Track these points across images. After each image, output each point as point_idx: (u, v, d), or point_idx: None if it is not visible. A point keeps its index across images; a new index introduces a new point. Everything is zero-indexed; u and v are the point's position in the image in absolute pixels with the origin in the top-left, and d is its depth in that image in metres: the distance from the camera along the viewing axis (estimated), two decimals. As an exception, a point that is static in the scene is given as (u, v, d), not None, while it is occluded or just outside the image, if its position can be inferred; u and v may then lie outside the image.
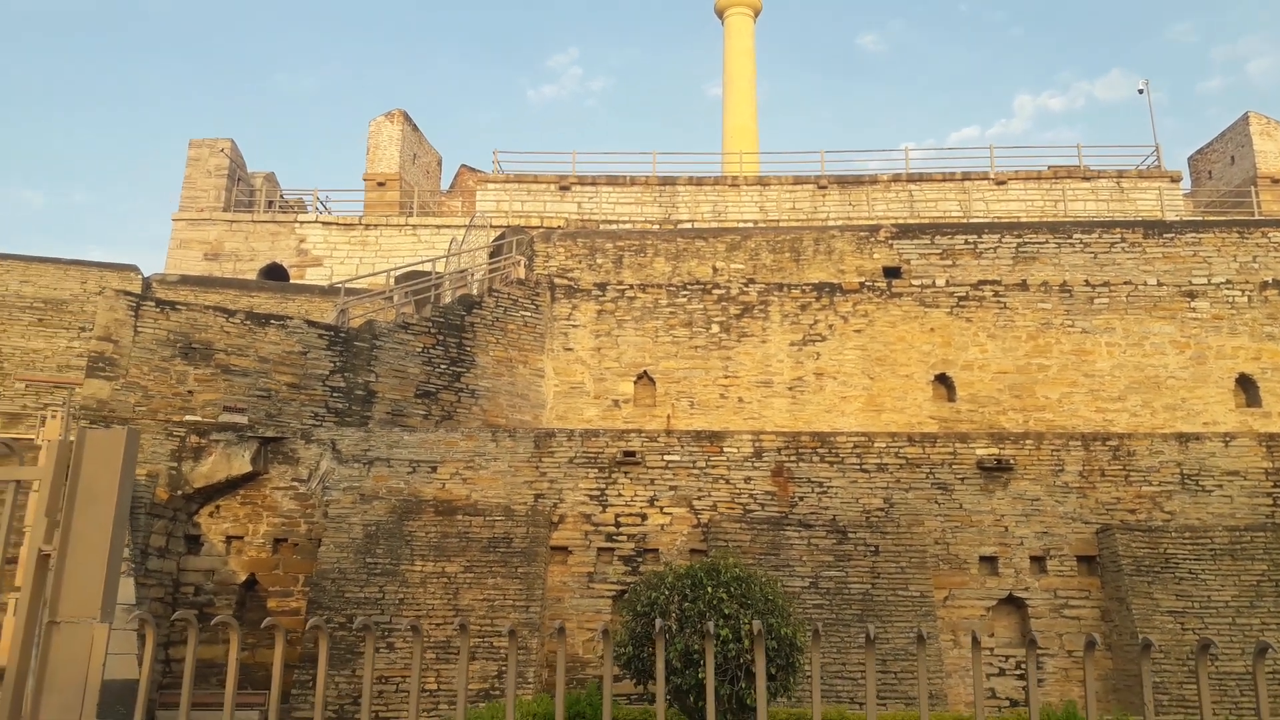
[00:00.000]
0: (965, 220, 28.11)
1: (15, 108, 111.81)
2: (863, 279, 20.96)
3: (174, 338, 15.84)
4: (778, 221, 28.87)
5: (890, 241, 21.62)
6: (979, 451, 15.15)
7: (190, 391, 15.72)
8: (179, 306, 16.42)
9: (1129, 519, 14.66)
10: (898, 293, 20.49)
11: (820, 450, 15.05)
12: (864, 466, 14.95)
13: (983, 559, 14.65)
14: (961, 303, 20.32)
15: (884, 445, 15.19)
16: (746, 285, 20.66)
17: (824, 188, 30.26)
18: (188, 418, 15.02)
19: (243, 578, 14.36)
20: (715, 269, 21.20)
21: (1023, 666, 14.15)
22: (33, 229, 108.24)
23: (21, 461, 3.84)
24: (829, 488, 14.80)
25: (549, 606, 14.23)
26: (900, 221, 26.93)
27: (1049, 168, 31.13)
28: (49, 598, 3.41)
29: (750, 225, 27.24)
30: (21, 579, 7.57)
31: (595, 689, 11.22)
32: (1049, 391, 19.70)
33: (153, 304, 16.15)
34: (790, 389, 19.84)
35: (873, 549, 14.27)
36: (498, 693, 13.17)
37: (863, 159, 47.40)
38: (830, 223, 27.92)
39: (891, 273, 21.29)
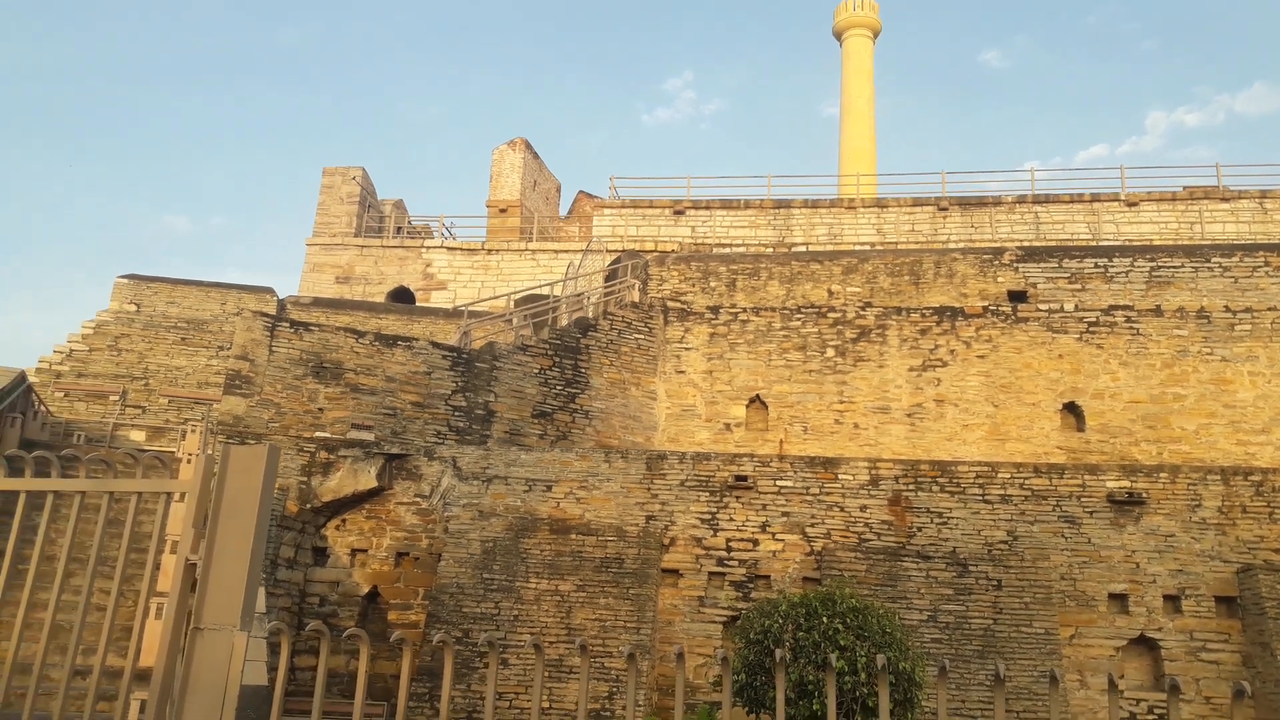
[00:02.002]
0: (1094, 243, 27.05)
1: (163, 140, 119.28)
2: (986, 303, 20.39)
3: (306, 357, 16.58)
4: (896, 244, 28.35)
5: (1015, 264, 20.98)
6: (1109, 484, 14.50)
7: (320, 409, 16.40)
8: (311, 327, 17.19)
9: (1274, 559, 13.79)
10: (1024, 317, 19.86)
11: (940, 479, 14.67)
12: (986, 497, 14.49)
13: (1112, 596, 13.99)
14: (1092, 328, 19.55)
15: (1008, 476, 14.69)
16: (863, 309, 20.35)
17: (944, 209, 29.60)
18: (317, 434, 15.67)
19: (366, 590, 14.84)
20: (831, 292, 20.96)
21: (1155, 711, 13.41)
22: (177, 253, 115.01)
23: (172, 474, 4.09)
24: (949, 518, 14.39)
25: (659, 629, 14.23)
26: (1025, 244, 26.10)
27: (1184, 188, 29.67)
28: (194, 605, 3.62)
29: (867, 248, 26.83)
30: (168, 586, 8.01)
31: (705, 714, 11.17)
32: (1185, 422, 18.72)
33: (287, 325, 16.95)
34: (909, 415, 19.41)
35: (995, 583, 13.80)
36: (608, 714, 13.22)
37: (985, 180, 46.14)
38: (951, 245, 27.26)
39: (1017, 297, 20.64)
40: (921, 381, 19.61)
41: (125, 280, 24.81)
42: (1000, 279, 20.88)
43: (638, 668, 2.98)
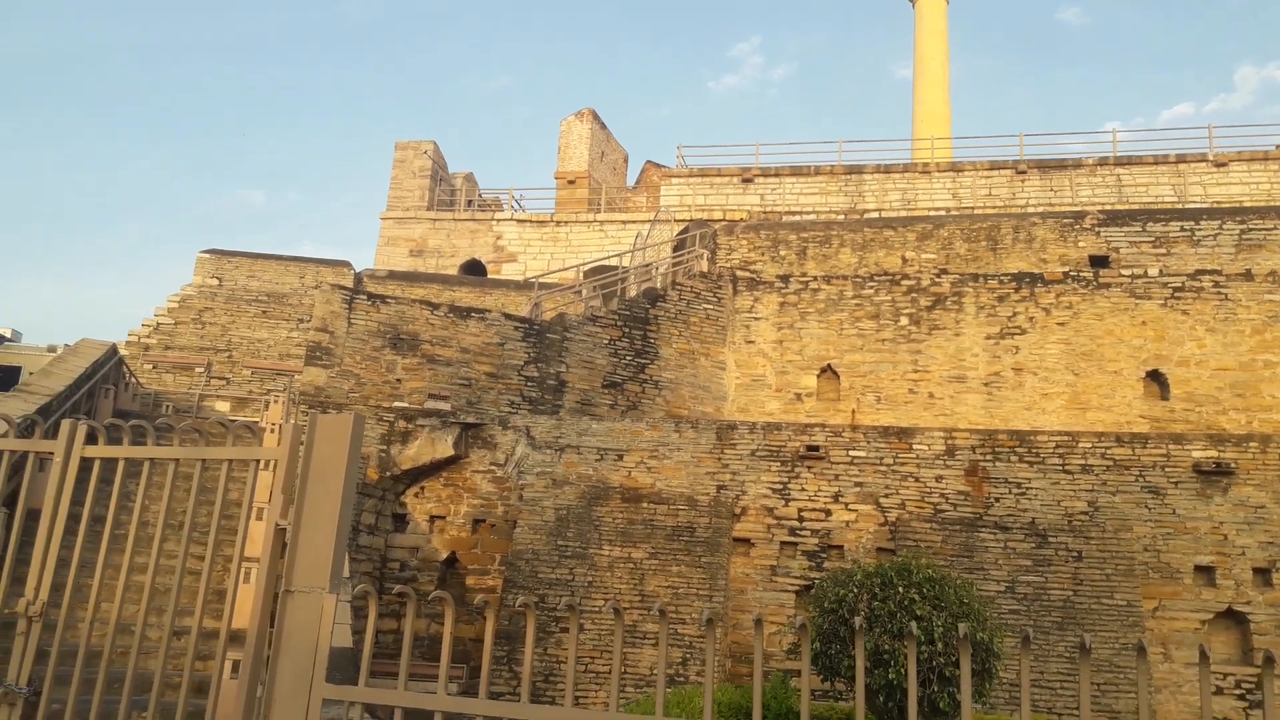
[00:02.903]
0: (1180, 205, 26.09)
1: (238, 116, 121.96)
2: (1066, 269, 19.84)
3: (384, 329, 16.91)
4: (972, 209, 27.71)
5: (1097, 229, 20.36)
6: (1195, 454, 14.07)
7: (398, 379, 16.74)
8: (388, 300, 17.52)
9: (1374, 532, 13.26)
10: (1105, 283, 19.28)
11: (1019, 449, 14.39)
12: (1066, 467, 14.19)
13: (1198, 569, 13.62)
14: (1177, 294, 18.91)
15: (1089, 445, 14.35)
16: (939, 276, 19.97)
17: (1023, 173, 28.80)
18: (396, 404, 16.01)
19: (444, 555, 15.18)
20: (905, 259, 20.60)
21: (1242, 685, 13.06)
22: (254, 227, 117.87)
23: (260, 443, 4.23)
24: (1028, 489, 14.13)
25: (731, 598, 14.29)
26: (1107, 207, 25.29)
27: (1277, 146, 28.40)
28: (284, 568, 3.75)
29: (942, 213, 26.28)
30: (257, 551, 8.30)
31: (779, 681, 11.20)
32: (1276, 390, 18.04)
33: (364, 298, 17.30)
34: (985, 385, 19.05)
35: (1075, 554, 13.53)
36: (681, 679, 13.36)
37: (1064, 142, 44.66)
38: (1029, 210, 26.55)
39: (1098, 262, 20.04)
40: (999, 350, 19.21)
41: (207, 255, 25.56)
42: (1081, 244, 20.29)
43: (715, 634, 3.00)
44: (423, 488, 15.50)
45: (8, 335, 43.30)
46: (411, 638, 3.51)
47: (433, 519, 15.40)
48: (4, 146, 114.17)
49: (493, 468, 15.46)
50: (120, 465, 4.38)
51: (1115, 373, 18.72)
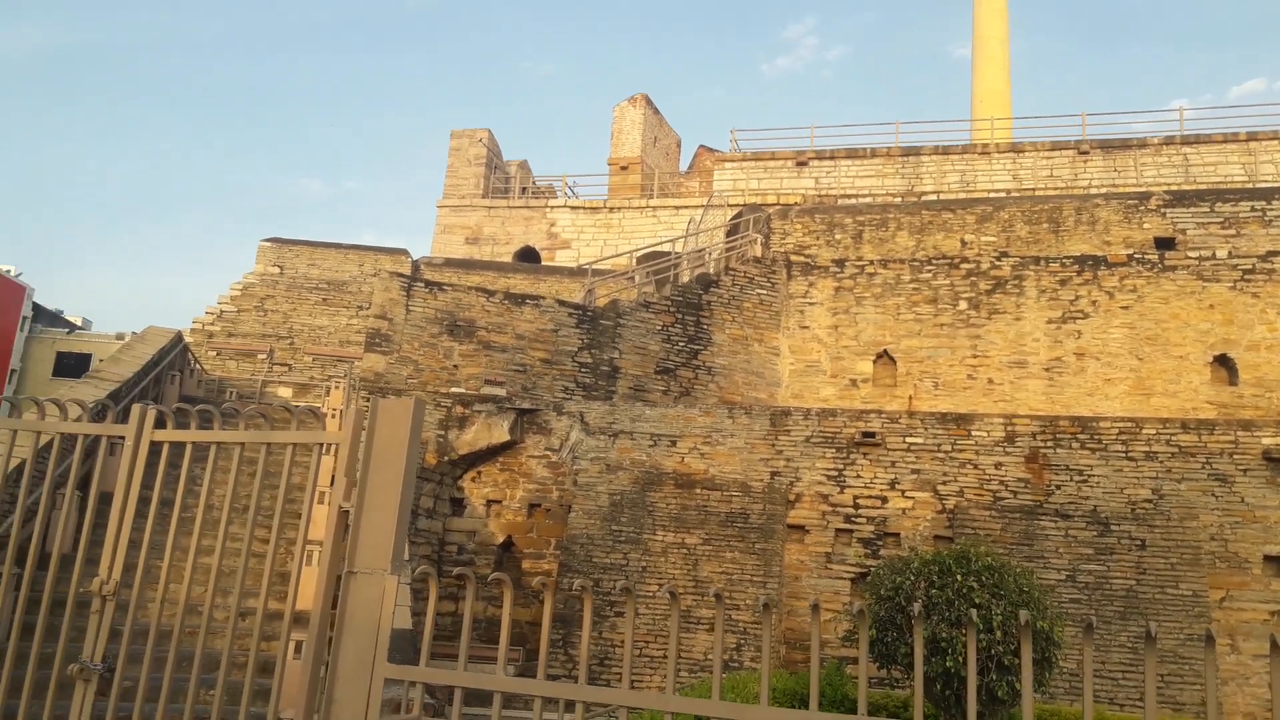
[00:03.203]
0: (1251, 185, 25.28)
1: (298, 106, 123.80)
2: (1131, 251, 19.36)
3: (440, 315, 17.11)
4: (1033, 191, 27.15)
5: (1163, 209, 19.82)
6: (1266, 440, 13.67)
7: (455, 365, 16.94)
8: (445, 287, 17.71)
9: None
10: (1171, 265, 18.78)
11: (1080, 436, 14.12)
12: (1130, 454, 13.88)
13: (1268, 559, 13.24)
14: (1247, 276, 18.34)
15: (1153, 432, 14.02)
16: (999, 259, 19.61)
17: (1085, 153, 28.13)
18: (453, 389, 16.21)
19: (501, 539, 15.36)
20: (963, 242, 20.26)
21: (1317, 681, 12.69)
22: (313, 216, 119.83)
23: (323, 428, 4.31)
24: (1090, 476, 13.86)
25: (785, 584, 14.25)
26: (1173, 188, 24.61)
27: (1358, 121, 27.36)
28: (347, 550, 3.83)
29: (1002, 195, 25.78)
30: (319, 534, 8.45)
31: (834, 669, 11.16)
32: (1355, 375, 17.44)
33: (422, 285, 17.51)
34: (1047, 370, 18.70)
35: (1138, 543, 13.25)
36: (735, 664, 13.37)
37: (1128, 121, 43.44)
38: (1092, 191, 25.93)
39: (1164, 244, 19.52)
40: (1060, 334, 18.84)
41: (268, 244, 26.05)
42: (1146, 225, 19.79)
43: (771, 619, 3.00)
44: (479, 472, 15.68)
45: (79, 324, 44.63)
46: (471, 618, 3.56)
47: (489, 503, 15.58)
48: (72, 140, 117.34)
49: (547, 453, 15.58)
50: (188, 449, 4.50)
51: (1181, 357, 18.25)
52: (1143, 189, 24.56)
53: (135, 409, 4.56)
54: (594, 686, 3.38)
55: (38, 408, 5.01)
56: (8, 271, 37.39)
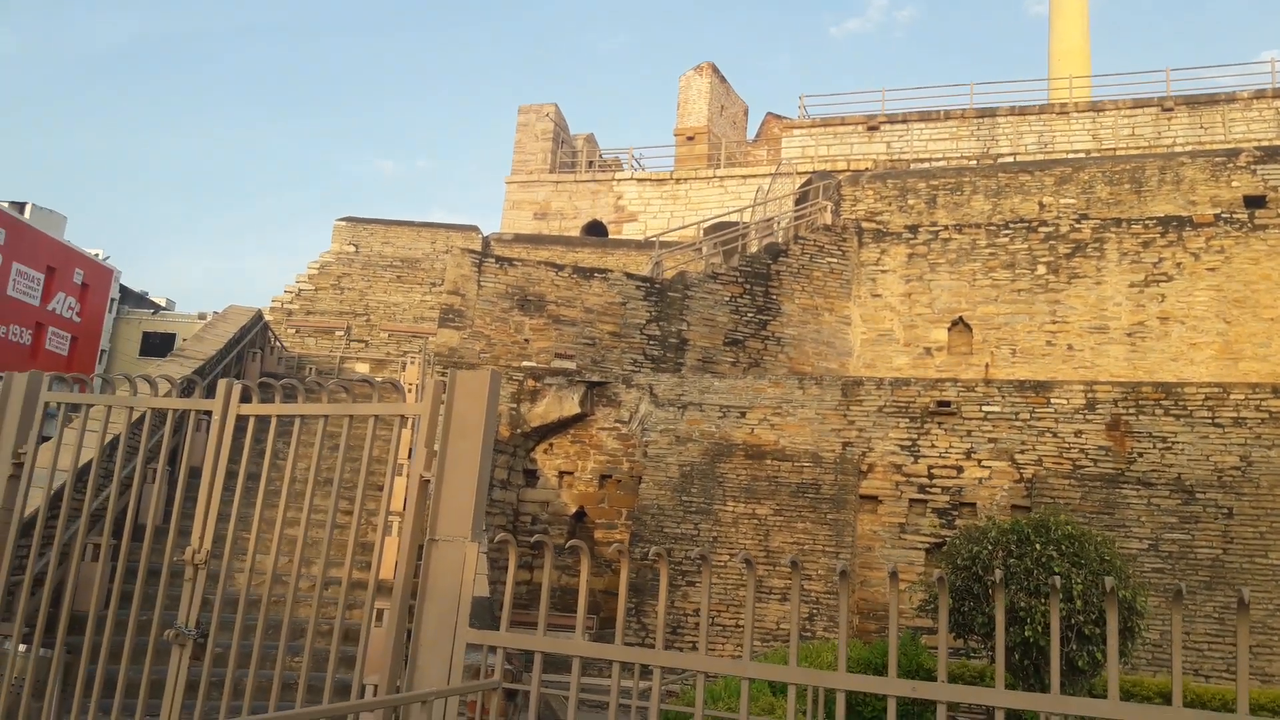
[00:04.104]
0: (1351, 137, 24.07)
1: (370, 87, 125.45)
2: (1218, 210, 18.63)
3: (511, 291, 17.29)
4: (1114, 150, 26.24)
5: (1253, 167, 19.01)
6: (1365, 406, 13.11)
7: (526, 340, 17.12)
8: (515, 262, 17.88)
9: None
10: (1262, 225, 18.04)
11: (1164, 402, 13.71)
12: (1217, 421, 13.44)
13: (1367, 529, 12.75)
14: (1345, 234, 17.53)
15: (1242, 397, 13.54)
16: (1078, 222, 19.04)
17: (1169, 110, 27.07)
18: (524, 363, 16.39)
19: (573, 509, 15.55)
20: (1041, 205, 19.70)
21: None
22: (385, 195, 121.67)
23: (404, 400, 4.41)
24: (1174, 443, 13.46)
25: (858, 555, 14.17)
26: (1265, 144, 23.56)
27: None
28: (429, 519, 3.92)
29: (1081, 156, 24.98)
30: (398, 506, 8.64)
31: (909, 638, 11.09)
32: None
33: (493, 261, 17.70)
34: (1129, 335, 18.16)
35: (1225, 511, 12.86)
36: (808, 634, 13.37)
37: (1215, 75, 41.63)
38: (1177, 149, 24.98)
39: (1254, 202, 18.73)
40: (1143, 298, 18.26)
41: (343, 223, 26.53)
42: (1235, 184, 19.00)
43: (847, 585, 3.00)
44: (551, 444, 15.86)
45: (163, 305, 46.12)
46: (550, 583, 3.62)
47: (561, 474, 15.77)
48: (157, 128, 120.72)
49: (617, 425, 15.68)
50: (273, 423, 4.64)
51: (1271, 320, 17.56)
52: (1231, 146, 23.57)
53: (221, 384, 4.72)
54: (670, 652, 3.42)
55: (130, 384, 5.21)
56: (97, 255, 38.77)
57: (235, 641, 4.42)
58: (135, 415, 8.70)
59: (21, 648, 5.00)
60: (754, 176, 30.27)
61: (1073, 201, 19.55)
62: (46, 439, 6.28)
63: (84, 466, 9.12)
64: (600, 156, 35.16)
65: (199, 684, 4.49)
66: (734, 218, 24.36)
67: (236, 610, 4.66)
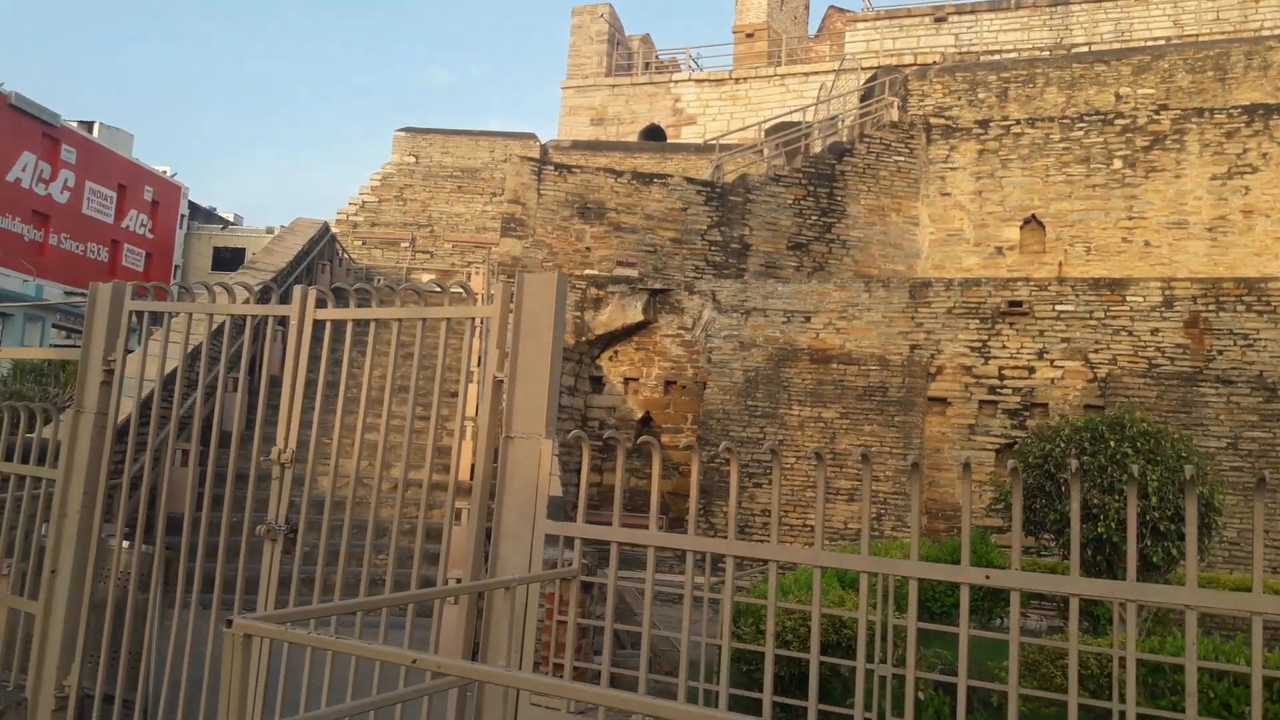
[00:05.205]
0: None
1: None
2: (1310, 96, 17.65)
3: (571, 198, 17.21)
4: (1195, 36, 24.89)
5: (1351, 47, 17.90)
6: None
7: (587, 248, 17.11)
8: (574, 169, 17.75)
9: None
10: (1358, 109, 17.07)
11: (1246, 298, 13.26)
12: (1302, 316, 12.98)
13: None
14: None
15: (1330, 291, 13.05)
16: (1157, 113, 18.22)
17: (1261, -11, 25.47)
18: (586, 272, 16.42)
19: (639, 415, 15.73)
20: (1119, 96, 18.85)
21: None
22: (440, 105, 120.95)
23: (476, 303, 4.46)
24: (1255, 340, 13.06)
25: (926, 456, 14.15)
26: (1366, 21, 22.11)
27: None
28: (504, 417, 4.00)
29: (1161, 43, 23.75)
30: (470, 411, 8.82)
31: (978, 536, 11.11)
32: None
33: (552, 168, 17.60)
34: (1209, 230, 17.49)
35: (1309, 409, 12.51)
36: (875, 534, 13.48)
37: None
38: (1265, 33, 23.58)
39: (1351, 86, 17.70)
40: (1226, 191, 17.52)
41: (403, 133, 26.53)
42: (1331, 66, 17.94)
43: (919, 477, 3.00)
44: (616, 352, 15.97)
45: (231, 219, 46.93)
46: (622, 477, 3.69)
47: (627, 381, 15.91)
48: (217, 43, 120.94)
49: (681, 332, 15.70)
50: (349, 326, 4.73)
51: (1367, 211, 16.76)
52: (1328, 25, 22.18)
53: (297, 290, 4.81)
54: (743, 541, 3.48)
55: (209, 291, 5.35)
56: (164, 172, 39.42)
57: (323, 540, 4.60)
58: (215, 324, 8.95)
59: (125, 544, 5.28)
60: (816, 74, 29.40)
61: (1151, 92, 18.67)
62: (130, 352, 6.51)
63: (169, 375, 9.46)
64: (657, 58, 34.42)
65: (290, 581, 4.70)
66: (796, 117, 23.79)
67: (322, 512, 4.84)
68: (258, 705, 3.79)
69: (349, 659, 4.11)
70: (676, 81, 31.58)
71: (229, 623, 2.29)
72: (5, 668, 5.26)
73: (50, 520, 5.21)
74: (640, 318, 15.69)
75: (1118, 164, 18.16)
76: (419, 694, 3.23)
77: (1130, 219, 17.94)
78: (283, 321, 5.06)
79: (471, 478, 4.35)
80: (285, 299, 4.95)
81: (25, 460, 5.48)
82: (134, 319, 5.37)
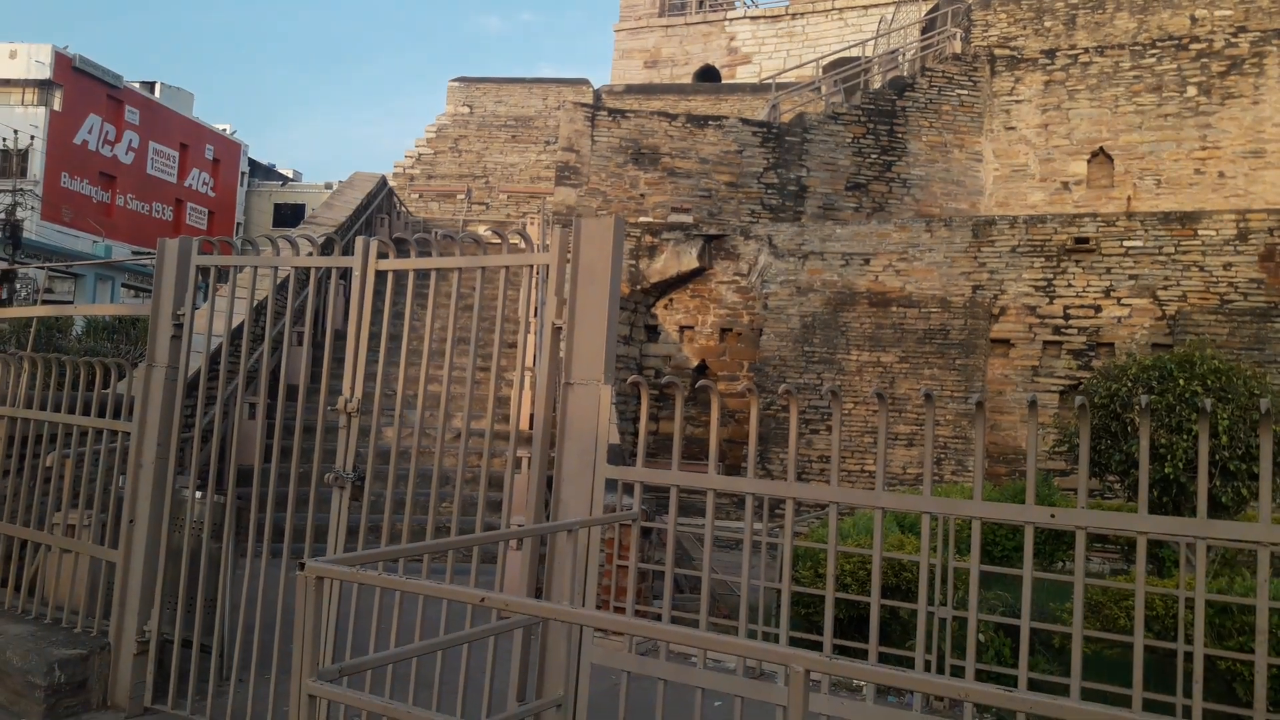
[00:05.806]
0: None
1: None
2: (1402, 13, 16.71)
3: (625, 144, 17.08)
4: (1280, -47, 23.62)
5: None
6: None
7: (642, 195, 17.00)
8: (628, 114, 17.58)
9: None
10: None
11: (1328, 229, 12.74)
12: (1388, 247, 12.45)
13: None
14: None
15: None
16: (1235, 36, 17.40)
17: (1350, -99, 24.04)
18: (641, 219, 16.34)
19: (695, 363, 15.72)
20: (1194, 19, 18.03)
21: None
22: (493, 54, 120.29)
23: (533, 250, 4.47)
24: (1336, 273, 12.57)
25: (989, 399, 13.95)
26: None
27: None
28: (564, 364, 4.03)
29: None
30: (535, 353, 8.88)
31: (1041, 479, 10.96)
32: None
33: (605, 114, 17.45)
34: (1289, 158, 16.77)
35: (1394, 344, 12.05)
36: (936, 478, 13.38)
37: None
38: (1356, -54, 22.29)
39: None
40: (1308, 117, 16.74)
41: (457, 84, 26.50)
42: None
43: (983, 415, 2.97)
44: (671, 299, 15.94)
45: (290, 176, 47.53)
46: (681, 422, 3.70)
47: (682, 329, 15.89)
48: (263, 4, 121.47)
49: (736, 278, 15.59)
50: (410, 276, 4.79)
51: None
52: None
53: (360, 240, 4.88)
54: (803, 483, 3.48)
55: (273, 244, 5.44)
56: (224, 130, 39.98)
57: (389, 488, 4.71)
58: (279, 277, 9.13)
59: (198, 495, 5.47)
60: (875, 6, 28.59)
61: (1229, 13, 17.81)
62: (197, 308, 6.67)
63: (236, 329, 9.69)
64: (711, -4, 33.73)
65: (358, 530, 4.83)
66: (855, 53, 23.22)
67: (388, 462, 4.95)
68: (329, 647, 3.92)
69: (416, 605, 4.23)
70: (731, 19, 30.98)
71: (301, 565, 2.37)
72: (89, 614, 5.51)
73: (127, 472, 5.41)
74: (695, 265, 15.60)
75: (1191, 91, 17.44)
76: (485, 634, 3.32)
77: (1204, 149, 17.27)
78: (345, 274, 5.14)
79: (531, 427, 4.40)
80: (347, 251, 5.03)
81: (102, 414, 5.68)
82: (200, 276, 5.49)
